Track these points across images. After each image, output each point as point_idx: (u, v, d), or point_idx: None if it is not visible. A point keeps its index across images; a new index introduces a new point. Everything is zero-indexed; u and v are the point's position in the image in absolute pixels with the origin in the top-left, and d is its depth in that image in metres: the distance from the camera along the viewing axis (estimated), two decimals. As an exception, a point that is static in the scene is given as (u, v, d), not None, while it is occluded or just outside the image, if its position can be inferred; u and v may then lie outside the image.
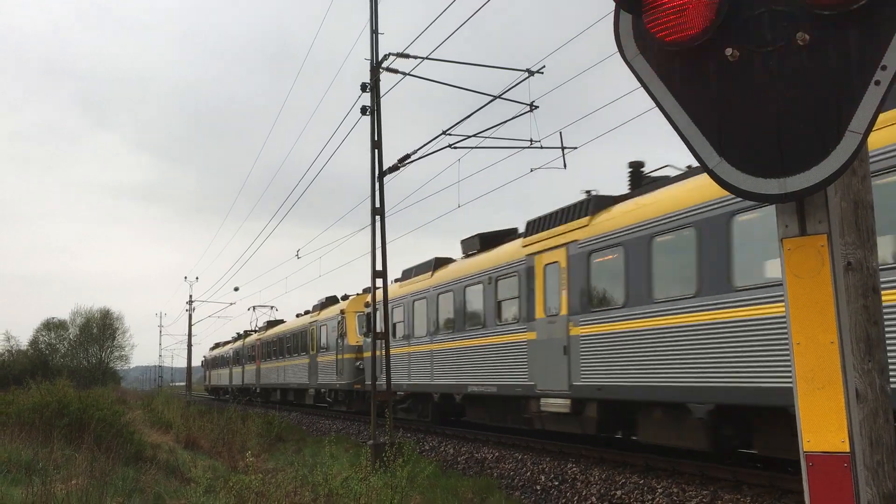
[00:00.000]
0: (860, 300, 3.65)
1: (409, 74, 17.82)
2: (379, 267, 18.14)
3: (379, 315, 18.90)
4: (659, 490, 11.39)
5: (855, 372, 3.52)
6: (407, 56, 17.41)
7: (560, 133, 18.57)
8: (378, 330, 18.69)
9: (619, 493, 11.84)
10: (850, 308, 3.55)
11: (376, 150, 17.93)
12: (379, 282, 18.21)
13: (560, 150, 18.44)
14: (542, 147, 18.81)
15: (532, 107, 18.25)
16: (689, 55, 2.84)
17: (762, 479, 11.08)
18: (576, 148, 18.93)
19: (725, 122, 2.82)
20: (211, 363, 71.89)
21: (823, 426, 2.74)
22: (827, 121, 2.63)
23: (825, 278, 2.79)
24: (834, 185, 2.87)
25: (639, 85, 3.07)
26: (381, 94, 17.95)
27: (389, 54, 17.60)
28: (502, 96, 18.13)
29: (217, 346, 72.19)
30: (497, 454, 16.47)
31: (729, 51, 2.74)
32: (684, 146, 2.99)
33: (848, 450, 2.71)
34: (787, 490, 10.27)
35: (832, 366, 2.74)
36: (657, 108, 2.99)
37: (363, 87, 17.80)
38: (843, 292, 3.12)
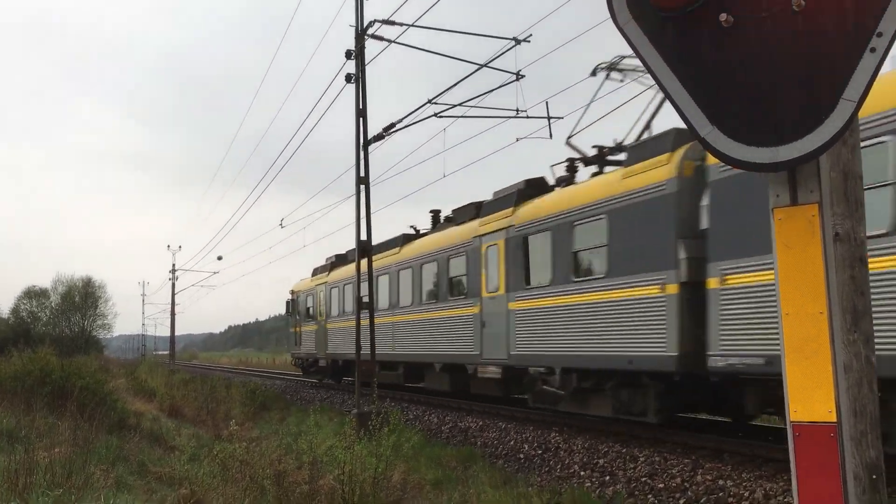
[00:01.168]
0: (847, 271, 3.65)
1: (394, 42, 17.65)
2: (364, 237, 18.08)
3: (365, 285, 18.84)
4: (641, 459, 11.50)
5: (841, 342, 3.53)
6: (392, 23, 17.22)
7: (546, 102, 18.51)
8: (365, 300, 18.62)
9: (601, 461, 11.95)
10: (837, 279, 3.55)
11: (361, 119, 17.79)
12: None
13: (546, 119, 18.39)
14: (528, 116, 18.75)
15: (518, 76, 18.15)
16: (683, 21, 2.79)
17: (743, 447, 11.22)
18: (562, 118, 18.91)
19: (718, 89, 2.78)
20: (330, 303, 29.06)
21: (811, 396, 2.74)
22: (821, 88, 2.59)
23: (815, 248, 2.78)
24: (825, 154, 2.85)
25: (628, 52, 3.02)
26: (367, 62, 17.77)
27: (375, 21, 17.40)
28: (488, 65, 17.99)
29: (338, 262, 29.66)
30: (481, 423, 16.57)
31: (723, 16, 2.69)
32: (675, 114, 2.95)
33: (835, 420, 2.72)
34: (767, 458, 10.40)
35: (821, 336, 2.73)
36: (649, 75, 2.94)
37: (348, 55, 17.61)
38: (833, 263, 3.11)
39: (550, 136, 18.70)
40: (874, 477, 3.65)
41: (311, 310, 31.81)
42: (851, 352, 3.65)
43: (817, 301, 2.75)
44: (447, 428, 17.25)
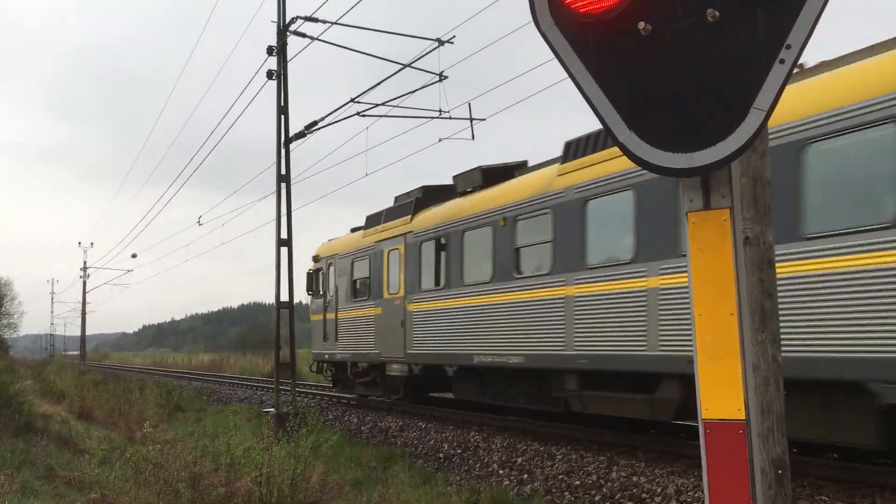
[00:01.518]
0: (756, 273, 3.79)
1: (317, 39, 17.49)
2: (284, 235, 17.86)
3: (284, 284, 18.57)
4: (558, 457, 11.68)
5: (750, 343, 3.67)
6: (315, 20, 17.07)
7: (469, 104, 18.63)
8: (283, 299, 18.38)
9: (519, 459, 12.10)
10: (746, 281, 3.68)
11: (282, 116, 17.57)
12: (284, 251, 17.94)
13: (468, 120, 18.51)
14: (450, 118, 18.83)
15: (441, 77, 18.22)
16: (603, 28, 2.85)
17: (655, 444, 11.52)
18: (484, 119, 19.07)
19: (636, 95, 2.85)
20: (420, 267, 16.61)
21: (721, 395, 2.84)
22: (733, 97, 2.68)
23: (727, 252, 2.87)
24: (736, 161, 2.95)
25: (549, 57, 3.07)
26: (289, 59, 17.57)
27: (297, 17, 17.22)
28: (412, 65, 18.01)
29: (431, 198, 17.29)
30: (401, 423, 16.56)
31: (641, 24, 2.76)
32: (595, 119, 3.01)
33: (743, 417, 2.82)
34: (679, 455, 10.70)
35: (731, 337, 2.83)
36: (570, 80, 2.99)
37: (269, 51, 17.37)
38: (743, 266, 3.23)
39: (473, 137, 18.84)
40: (780, 472, 3.80)
41: (362, 283, 19.33)
42: (759, 352, 3.79)
43: (728, 303, 2.85)
44: (367, 428, 17.19)
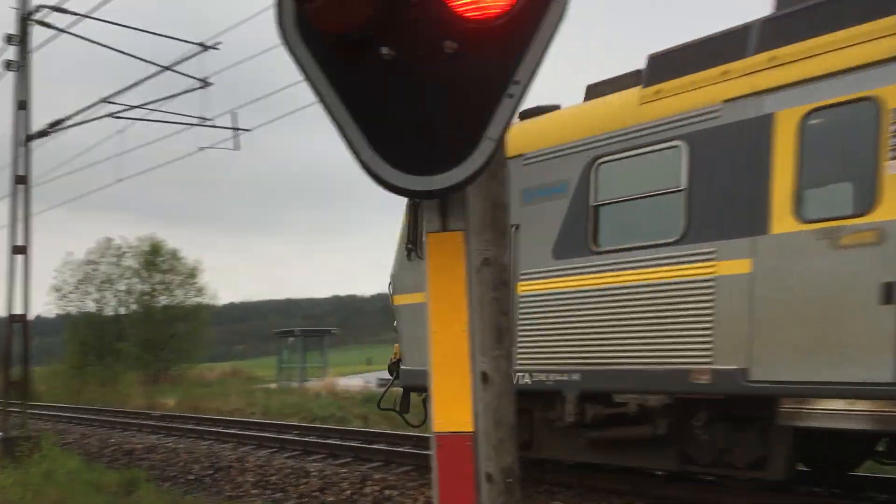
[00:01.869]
0: (492, 293, 4.02)
1: (65, 31, 16.27)
2: (21, 242, 16.34)
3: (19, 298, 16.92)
4: (313, 473, 11.62)
5: (484, 358, 3.87)
6: (64, 11, 15.88)
7: (233, 113, 18.17)
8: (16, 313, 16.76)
9: (274, 478, 11.89)
10: (483, 300, 3.89)
11: (23, 112, 16.12)
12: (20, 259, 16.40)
13: (232, 130, 18.04)
14: (214, 126, 18.24)
15: (205, 83, 17.62)
16: (350, 49, 2.88)
17: (409, 458, 11.80)
18: (249, 130, 18.66)
19: (380, 118, 2.91)
20: None
21: (452, 408, 2.96)
22: (468, 126, 2.82)
23: (461, 272, 3.01)
24: (475, 186, 3.10)
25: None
26: (32, 49, 16.17)
27: (42, 6, 15.91)
28: (172, 68, 17.25)
29: None
30: (148, 444, 15.71)
31: (385, 49, 2.83)
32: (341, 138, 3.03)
33: (472, 430, 2.96)
34: (430, 467, 11.04)
35: (462, 353, 2.97)
36: (317, 98, 2.99)
37: (8, 40, 15.89)
38: (478, 285, 3.40)
39: (237, 146, 18.38)
40: (509, 480, 4.04)
41: (652, 209, 8.51)
42: (494, 367, 4.01)
43: (460, 321, 2.98)
44: (110, 451, 16.12)
